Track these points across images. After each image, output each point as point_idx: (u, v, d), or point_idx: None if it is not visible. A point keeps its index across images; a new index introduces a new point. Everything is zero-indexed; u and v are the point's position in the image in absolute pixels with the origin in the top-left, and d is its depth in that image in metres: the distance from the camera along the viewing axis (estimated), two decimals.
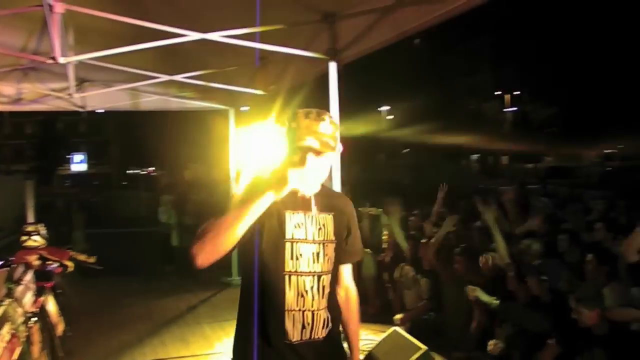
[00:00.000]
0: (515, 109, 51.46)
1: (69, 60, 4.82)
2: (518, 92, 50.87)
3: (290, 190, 2.20)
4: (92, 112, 7.73)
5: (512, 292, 5.15)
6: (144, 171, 57.69)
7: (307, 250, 2.35)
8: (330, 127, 2.29)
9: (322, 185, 2.44)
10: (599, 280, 4.74)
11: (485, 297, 5.34)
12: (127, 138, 61.92)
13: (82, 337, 6.48)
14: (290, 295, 2.32)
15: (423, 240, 6.59)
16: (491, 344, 5.11)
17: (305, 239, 2.36)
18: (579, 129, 42.21)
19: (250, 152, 7.01)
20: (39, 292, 5.35)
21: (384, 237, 7.52)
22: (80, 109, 8.06)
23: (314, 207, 2.37)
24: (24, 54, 5.88)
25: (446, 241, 6.42)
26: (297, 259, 2.34)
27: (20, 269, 5.21)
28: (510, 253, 5.56)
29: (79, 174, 63.50)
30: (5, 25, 5.23)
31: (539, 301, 4.88)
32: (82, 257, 6.33)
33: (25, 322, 4.69)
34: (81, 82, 7.57)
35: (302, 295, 2.33)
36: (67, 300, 6.33)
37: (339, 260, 2.44)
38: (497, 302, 5.18)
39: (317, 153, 2.25)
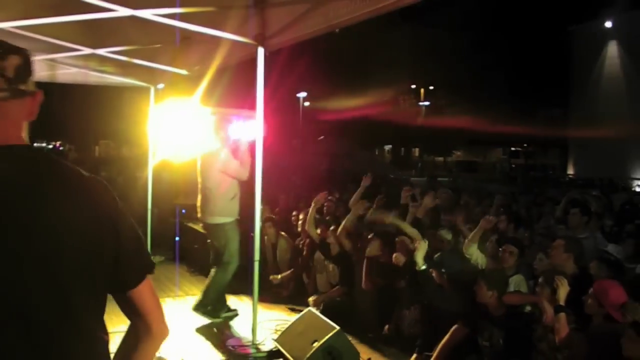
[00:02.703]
0: (428, 103, 52.77)
1: None
2: (432, 87, 52.25)
3: None
4: None
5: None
6: (50, 145, 55.36)
7: None
8: None
9: None
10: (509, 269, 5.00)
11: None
12: None
13: None
14: None
15: (332, 227, 6.74)
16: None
17: None
18: (489, 126, 43.97)
19: (170, 131, 6.92)
20: None
21: (299, 222, 7.59)
22: None
23: None
24: None
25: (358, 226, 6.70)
26: None
27: None
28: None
29: None
30: None
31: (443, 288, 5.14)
32: None
33: None
34: None
35: None
36: None
37: None
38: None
39: None
